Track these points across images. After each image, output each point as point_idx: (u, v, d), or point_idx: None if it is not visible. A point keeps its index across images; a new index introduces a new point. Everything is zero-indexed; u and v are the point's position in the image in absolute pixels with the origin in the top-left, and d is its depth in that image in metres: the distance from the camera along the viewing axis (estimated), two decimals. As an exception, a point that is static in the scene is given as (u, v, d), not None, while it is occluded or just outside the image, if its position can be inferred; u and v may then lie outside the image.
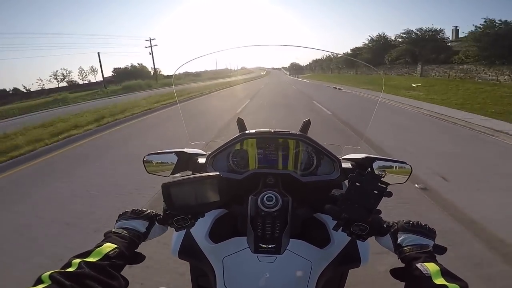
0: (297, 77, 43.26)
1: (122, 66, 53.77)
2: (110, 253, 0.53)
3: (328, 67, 44.33)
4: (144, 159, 0.94)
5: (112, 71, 50.06)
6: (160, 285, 1.71)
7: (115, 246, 0.55)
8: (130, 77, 39.26)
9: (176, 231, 0.66)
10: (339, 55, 26.58)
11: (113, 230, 0.63)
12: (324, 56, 50.75)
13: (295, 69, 75.30)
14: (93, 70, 53.05)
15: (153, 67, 42.70)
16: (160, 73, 50.30)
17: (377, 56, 26.45)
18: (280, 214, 0.69)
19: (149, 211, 0.69)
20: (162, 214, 0.67)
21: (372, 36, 29.20)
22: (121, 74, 46.05)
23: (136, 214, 0.67)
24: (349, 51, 35.00)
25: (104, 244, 0.55)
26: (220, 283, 0.69)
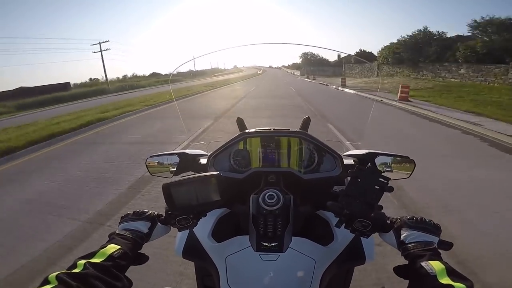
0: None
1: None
2: (114, 253, 0.53)
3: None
4: (146, 161, 0.95)
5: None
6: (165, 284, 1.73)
7: (118, 247, 0.55)
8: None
9: (179, 231, 0.67)
10: (348, 55, 21.87)
11: (116, 231, 0.63)
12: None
13: (317, 64, 44.38)
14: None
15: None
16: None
17: (416, 52, 20.01)
18: (282, 212, 0.69)
19: (150, 212, 0.70)
20: (164, 215, 0.68)
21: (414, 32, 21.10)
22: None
23: (138, 216, 0.68)
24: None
25: (108, 245, 0.56)
26: (223, 282, 0.69)
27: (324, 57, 52.12)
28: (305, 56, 54.04)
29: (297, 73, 48.95)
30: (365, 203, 0.58)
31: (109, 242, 0.58)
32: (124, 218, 0.68)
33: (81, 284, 0.44)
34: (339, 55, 42.07)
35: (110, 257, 0.52)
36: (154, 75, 61.39)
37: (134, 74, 59.34)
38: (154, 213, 0.70)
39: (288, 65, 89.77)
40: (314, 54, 53.11)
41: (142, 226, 0.66)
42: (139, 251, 0.62)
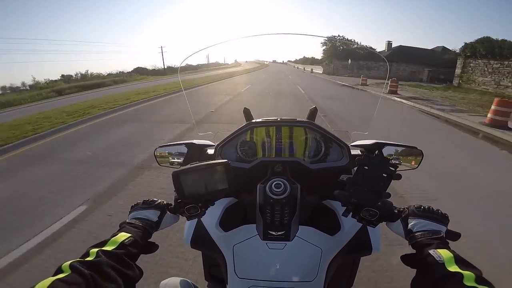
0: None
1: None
2: (125, 241, 0.54)
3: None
4: (155, 151, 0.97)
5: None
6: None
7: (129, 235, 0.57)
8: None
9: (188, 220, 0.68)
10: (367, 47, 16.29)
11: (126, 220, 0.64)
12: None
13: (354, 57, 26.13)
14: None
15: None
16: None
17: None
18: (289, 201, 0.69)
19: (160, 200, 0.71)
20: (173, 203, 0.69)
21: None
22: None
23: (148, 204, 0.69)
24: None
25: (119, 234, 0.57)
26: (230, 271, 0.70)
27: (360, 43, 30.27)
28: (331, 43, 32.00)
29: (318, 70, 32.56)
30: (372, 191, 0.58)
31: (120, 231, 0.59)
32: (134, 207, 0.69)
33: (94, 272, 0.45)
34: (390, 44, 27.00)
35: (122, 245, 0.53)
36: (138, 70, 53.36)
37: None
38: (163, 202, 0.71)
39: (296, 59, 79.52)
40: (347, 41, 33.17)
41: (152, 215, 0.67)
42: (149, 240, 0.63)
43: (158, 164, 0.98)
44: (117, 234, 0.57)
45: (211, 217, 0.80)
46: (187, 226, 0.84)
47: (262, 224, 0.70)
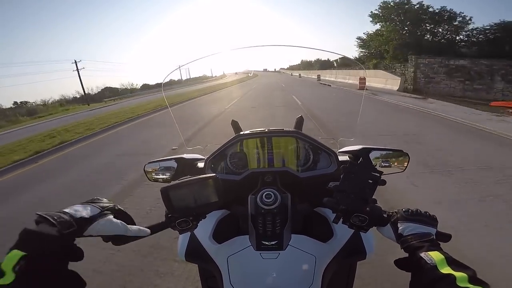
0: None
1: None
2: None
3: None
4: (145, 167, 0.97)
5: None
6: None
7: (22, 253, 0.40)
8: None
9: (180, 233, 0.67)
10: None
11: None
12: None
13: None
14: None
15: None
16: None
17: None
18: (280, 210, 0.70)
19: (105, 200, 0.59)
20: (164, 218, 0.68)
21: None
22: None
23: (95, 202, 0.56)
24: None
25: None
26: (226, 283, 0.70)
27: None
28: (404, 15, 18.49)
29: (373, 81, 15.63)
30: (359, 197, 0.59)
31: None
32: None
33: None
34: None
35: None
36: (107, 90, 45.64)
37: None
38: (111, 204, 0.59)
39: (289, 66, 75.33)
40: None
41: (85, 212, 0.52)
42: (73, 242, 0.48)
43: (148, 179, 0.97)
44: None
45: (204, 230, 0.80)
46: (180, 240, 0.83)
47: (255, 235, 0.71)
